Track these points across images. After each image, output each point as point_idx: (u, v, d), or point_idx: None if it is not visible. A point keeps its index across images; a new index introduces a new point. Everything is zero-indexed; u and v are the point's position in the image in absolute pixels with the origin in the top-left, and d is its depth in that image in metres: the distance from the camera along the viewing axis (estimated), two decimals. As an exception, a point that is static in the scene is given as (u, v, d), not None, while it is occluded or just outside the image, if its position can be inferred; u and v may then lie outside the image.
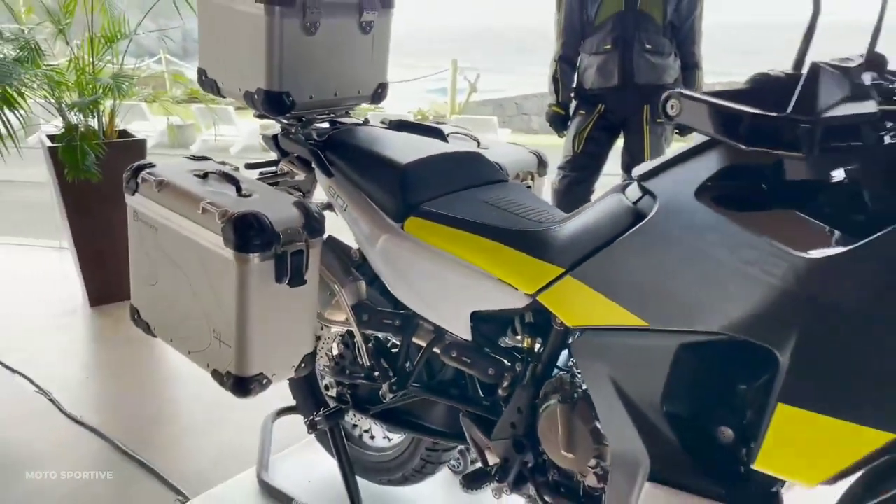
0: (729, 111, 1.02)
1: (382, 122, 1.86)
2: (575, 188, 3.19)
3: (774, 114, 0.96)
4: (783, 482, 1.11)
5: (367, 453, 2.01)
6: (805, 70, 0.99)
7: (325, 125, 1.83)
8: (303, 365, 1.60)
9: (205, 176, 1.58)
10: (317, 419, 1.79)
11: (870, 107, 0.98)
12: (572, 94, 3.22)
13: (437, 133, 1.76)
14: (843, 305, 0.95)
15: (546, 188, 2.12)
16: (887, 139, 1.00)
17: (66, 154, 3.09)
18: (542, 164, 1.97)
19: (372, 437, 2.04)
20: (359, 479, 1.90)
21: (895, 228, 0.92)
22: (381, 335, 1.72)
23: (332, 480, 1.96)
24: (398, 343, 1.68)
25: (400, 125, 1.82)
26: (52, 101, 3.30)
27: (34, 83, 3.16)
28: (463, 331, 1.48)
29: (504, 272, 1.38)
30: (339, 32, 1.76)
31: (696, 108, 1.06)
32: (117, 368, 2.97)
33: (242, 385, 1.49)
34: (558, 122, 3.27)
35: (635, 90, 3.02)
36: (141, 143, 3.47)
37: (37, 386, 2.72)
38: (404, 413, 1.77)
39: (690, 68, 3.09)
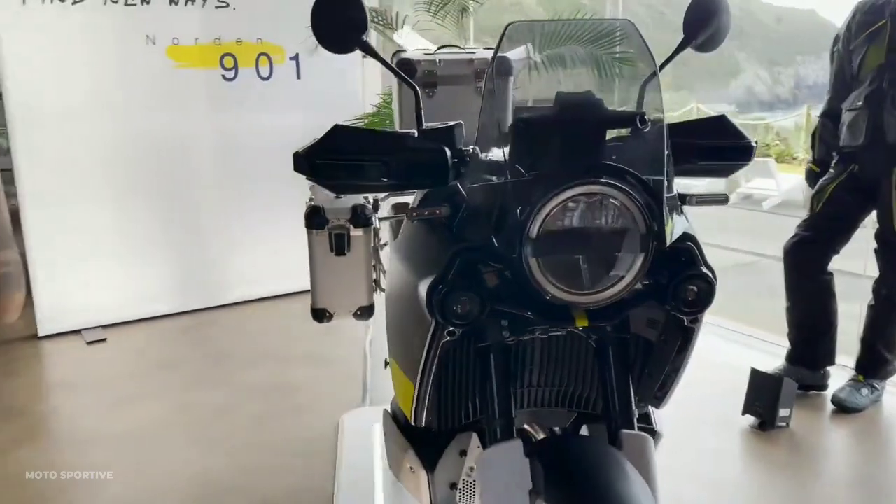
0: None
1: None
2: (806, 248, 3.00)
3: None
4: None
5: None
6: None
7: None
8: (359, 313, 2.42)
9: (336, 189, 2.54)
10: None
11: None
12: (835, 152, 3.04)
13: None
14: (393, 293, 1.41)
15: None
16: None
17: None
18: None
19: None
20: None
21: None
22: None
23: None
24: None
25: None
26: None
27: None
28: None
29: None
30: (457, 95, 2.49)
31: None
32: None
33: (315, 313, 2.41)
34: (811, 179, 3.11)
35: (885, 150, 2.75)
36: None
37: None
38: None
39: None
